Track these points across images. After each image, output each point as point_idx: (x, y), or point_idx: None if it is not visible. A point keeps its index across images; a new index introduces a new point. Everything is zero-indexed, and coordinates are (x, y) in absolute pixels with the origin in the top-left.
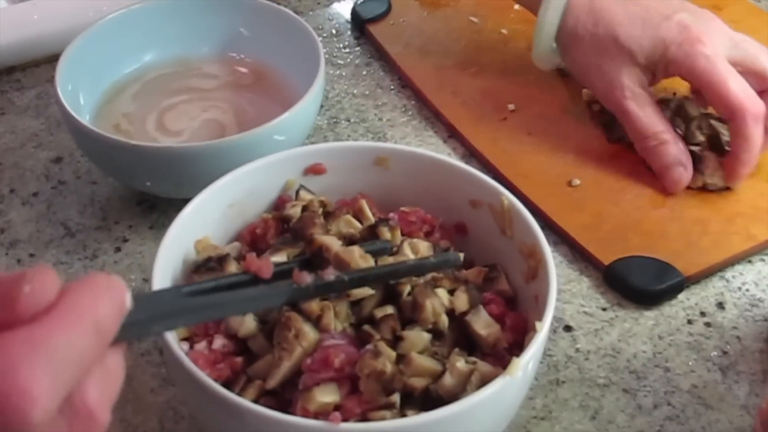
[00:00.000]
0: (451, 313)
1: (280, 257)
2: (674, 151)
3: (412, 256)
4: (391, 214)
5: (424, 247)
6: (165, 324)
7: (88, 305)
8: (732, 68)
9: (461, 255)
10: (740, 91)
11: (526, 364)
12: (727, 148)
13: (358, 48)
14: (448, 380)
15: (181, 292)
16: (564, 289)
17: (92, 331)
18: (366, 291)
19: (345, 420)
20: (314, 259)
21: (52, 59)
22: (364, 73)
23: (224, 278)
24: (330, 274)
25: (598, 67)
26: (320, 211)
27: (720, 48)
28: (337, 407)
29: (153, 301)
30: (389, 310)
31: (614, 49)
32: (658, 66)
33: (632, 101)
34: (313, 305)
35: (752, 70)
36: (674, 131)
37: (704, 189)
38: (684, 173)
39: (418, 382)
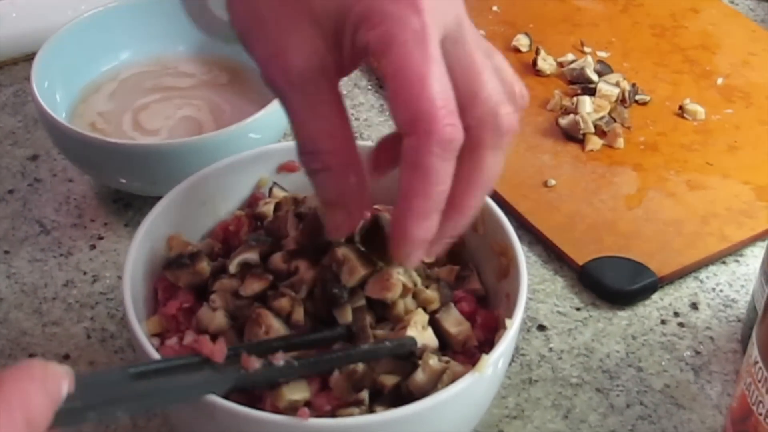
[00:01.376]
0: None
1: (252, 254)
2: (336, 185)
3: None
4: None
5: None
6: (103, 411)
7: (20, 398)
8: (443, 63)
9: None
10: (442, 92)
11: (495, 361)
12: None
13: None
14: (419, 377)
15: (128, 372)
16: (538, 289)
17: (23, 424)
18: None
19: (315, 417)
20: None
21: (30, 57)
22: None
23: (173, 360)
24: (279, 359)
25: (261, 26)
26: (293, 209)
27: (440, 22)
28: (306, 404)
29: (94, 384)
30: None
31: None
32: (345, 32)
33: (296, 87)
34: (284, 301)
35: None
36: (349, 155)
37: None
38: (346, 218)
39: (388, 380)
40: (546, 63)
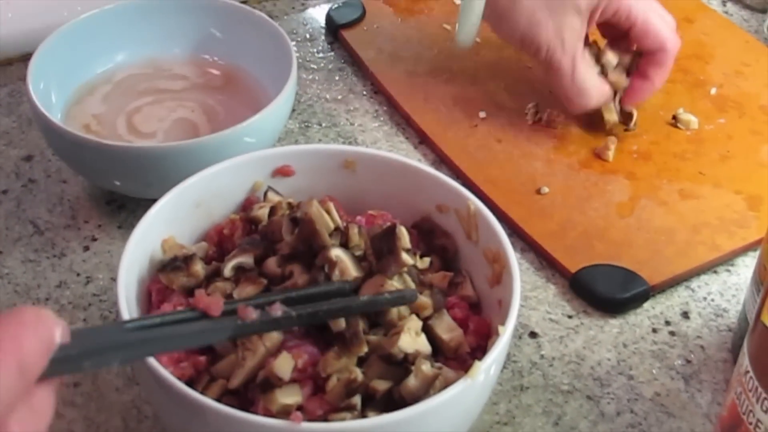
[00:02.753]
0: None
1: (247, 258)
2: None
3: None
4: (359, 218)
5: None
6: (98, 359)
7: (11, 342)
8: (658, 6)
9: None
10: (667, 28)
11: (487, 367)
12: None
13: (331, 53)
14: (412, 383)
15: (124, 327)
16: (530, 296)
17: (15, 368)
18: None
19: (307, 421)
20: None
21: (26, 57)
22: (337, 77)
23: (170, 314)
24: (277, 310)
25: (540, 23)
26: (288, 213)
27: None
28: (299, 408)
29: (90, 335)
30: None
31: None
32: (597, 10)
33: (573, 61)
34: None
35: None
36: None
37: (676, 126)
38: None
39: (380, 385)
40: None
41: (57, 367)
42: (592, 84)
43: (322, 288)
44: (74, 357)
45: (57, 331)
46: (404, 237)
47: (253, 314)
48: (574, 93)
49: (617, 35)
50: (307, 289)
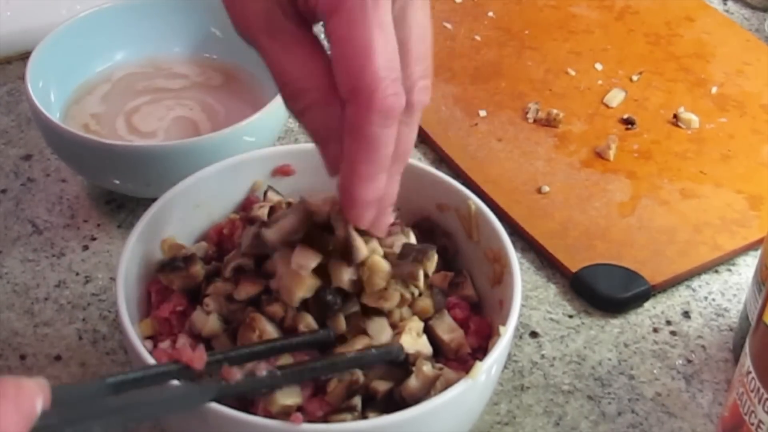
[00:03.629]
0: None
1: (246, 259)
2: (323, 117)
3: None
4: None
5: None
6: (80, 426)
7: None
8: (392, 28)
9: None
10: (387, 60)
11: (489, 368)
12: None
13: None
14: (413, 383)
15: (106, 383)
16: (531, 296)
17: None
18: None
19: (307, 422)
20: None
21: (25, 56)
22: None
23: (153, 368)
24: (262, 370)
25: None
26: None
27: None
28: (299, 409)
29: (71, 398)
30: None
31: None
32: None
33: (269, 36)
34: (277, 306)
35: (412, 51)
36: (324, 88)
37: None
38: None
39: (381, 386)
40: None
41: None
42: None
43: (305, 338)
44: (55, 426)
45: (38, 403)
46: (411, 240)
47: (237, 375)
48: None
49: None
50: (290, 339)
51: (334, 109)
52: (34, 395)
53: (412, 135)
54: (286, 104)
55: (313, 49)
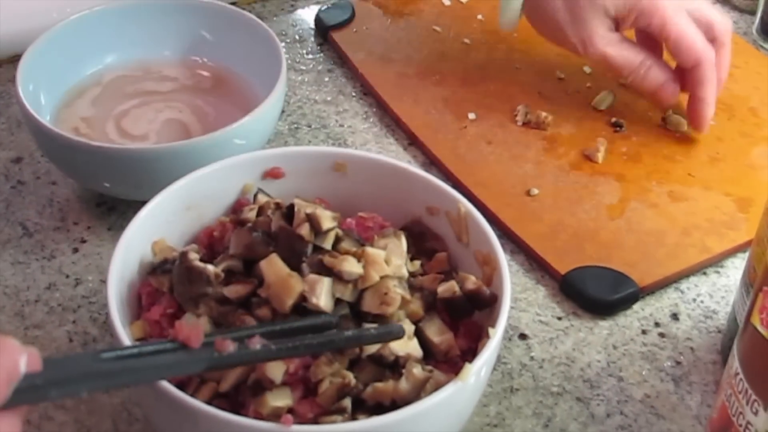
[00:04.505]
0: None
1: (235, 261)
2: (660, 73)
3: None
4: (349, 220)
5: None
6: (66, 389)
7: None
8: (690, 20)
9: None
10: (701, 41)
11: (478, 370)
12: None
13: (321, 54)
14: (403, 386)
15: (100, 357)
16: (520, 298)
17: None
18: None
19: (298, 423)
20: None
21: (15, 59)
22: (327, 79)
23: (149, 345)
24: (256, 343)
25: (569, 27)
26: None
27: (679, 1)
28: (290, 410)
29: (62, 364)
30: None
31: (586, 7)
32: (628, 19)
33: (609, 46)
34: (266, 309)
35: (701, 20)
36: (653, 56)
37: (666, 128)
38: (676, 87)
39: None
40: None
41: (22, 396)
42: (641, 57)
43: (307, 322)
44: (40, 386)
45: (21, 360)
46: (402, 244)
47: (230, 346)
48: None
49: (653, 47)
50: (291, 323)
51: (661, 63)
52: (17, 353)
53: (727, 58)
54: (632, 77)
55: (628, 40)
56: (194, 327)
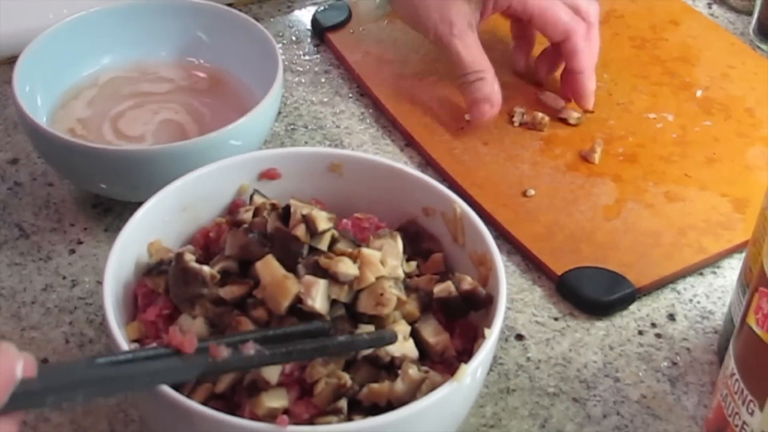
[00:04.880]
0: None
1: (231, 263)
2: (488, 88)
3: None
4: (345, 221)
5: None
6: (62, 395)
7: None
8: None
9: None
10: (567, 13)
11: (474, 370)
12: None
13: (317, 55)
14: (399, 387)
15: (95, 363)
16: (516, 299)
17: None
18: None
19: (293, 424)
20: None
21: (11, 60)
22: (323, 80)
23: (143, 351)
24: (250, 349)
25: (426, 6)
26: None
27: None
28: (285, 411)
29: (57, 371)
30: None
31: None
32: (488, 1)
33: (458, 39)
34: (262, 310)
35: (567, 2)
36: (493, 73)
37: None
38: (489, 110)
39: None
40: None
41: (18, 402)
42: (481, 67)
43: (300, 327)
44: (37, 392)
45: (18, 366)
46: (398, 245)
47: (224, 352)
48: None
49: (523, 31)
50: (285, 329)
51: (493, 83)
52: (14, 358)
53: (596, 43)
54: (464, 79)
55: (480, 46)
56: (188, 334)
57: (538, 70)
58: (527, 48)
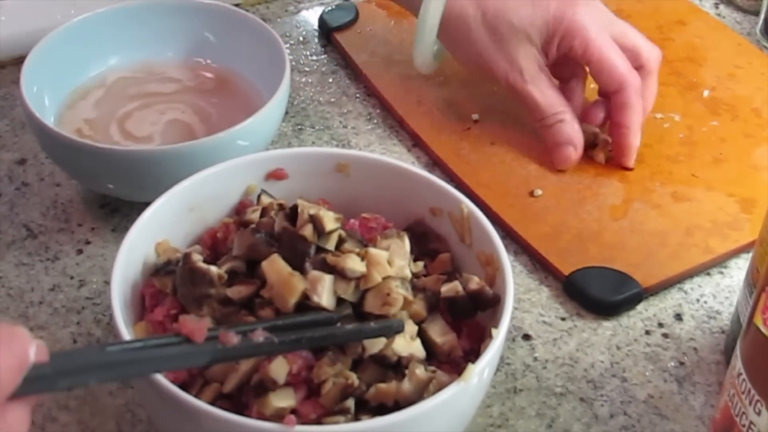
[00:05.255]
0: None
1: (238, 263)
2: (569, 130)
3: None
4: (352, 221)
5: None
6: (74, 379)
7: None
8: (614, 44)
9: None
10: (625, 65)
11: (481, 370)
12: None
13: (324, 56)
14: (406, 387)
15: (105, 350)
16: (523, 299)
17: None
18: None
19: (301, 424)
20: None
21: (18, 61)
22: (330, 80)
23: (153, 339)
24: (259, 336)
25: (493, 54)
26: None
27: (602, 25)
28: (292, 411)
29: (68, 356)
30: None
31: (508, 33)
32: (552, 43)
33: (531, 84)
34: (269, 310)
35: (627, 46)
36: (572, 111)
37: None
38: (573, 153)
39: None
40: None
41: (31, 385)
42: (559, 109)
43: (309, 317)
44: (49, 376)
45: (31, 349)
46: (405, 245)
47: (234, 339)
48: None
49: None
50: (294, 318)
51: (574, 125)
52: (27, 342)
53: (654, 90)
54: (544, 122)
55: (556, 87)
56: (198, 322)
57: (592, 118)
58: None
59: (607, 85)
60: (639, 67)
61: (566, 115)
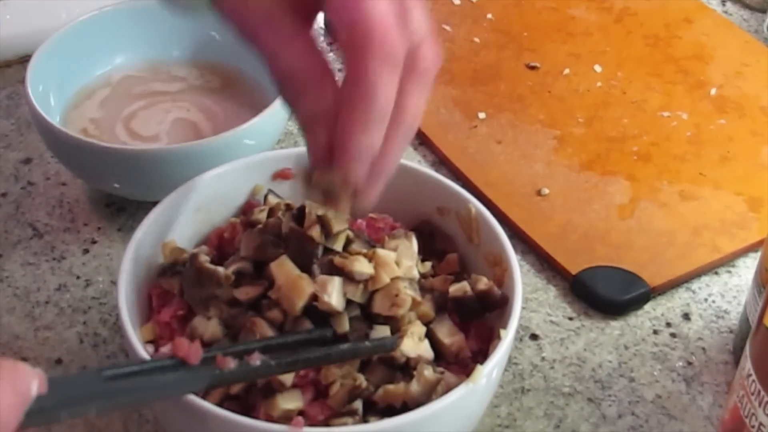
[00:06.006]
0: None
1: (245, 264)
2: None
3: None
4: (359, 221)
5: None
6: (75, 409)
7: None
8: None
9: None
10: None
11: (489, 371)
12: None
13: (331, 54)
14: (414, 388)
15: (102, 375)
16: (531, 298)
17: None
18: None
19: (308, 426)
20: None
21: (24, 60)
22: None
23: (149, 362)
24: (256, 359)
25: None
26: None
27: None
28: (300, 413)
29: (67, 384)
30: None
31: None
32: None
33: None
34: (277, 311)
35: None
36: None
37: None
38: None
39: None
40: None
41: (33, 418)
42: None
43: (302, 336)
44: (50, 409)
45: (34, 384)
46: (413, 245)
47: (230, 363)
48: None
49: None
50: (287, 337)
51: (326, 94)
52: (30, 377)
53: (419, 103)
54: (282, 92)
55: (307, 39)
56: (192, 345)
57: None
58: None
59: (341, 18)
60: (408, 60)
61: (311, 79)
